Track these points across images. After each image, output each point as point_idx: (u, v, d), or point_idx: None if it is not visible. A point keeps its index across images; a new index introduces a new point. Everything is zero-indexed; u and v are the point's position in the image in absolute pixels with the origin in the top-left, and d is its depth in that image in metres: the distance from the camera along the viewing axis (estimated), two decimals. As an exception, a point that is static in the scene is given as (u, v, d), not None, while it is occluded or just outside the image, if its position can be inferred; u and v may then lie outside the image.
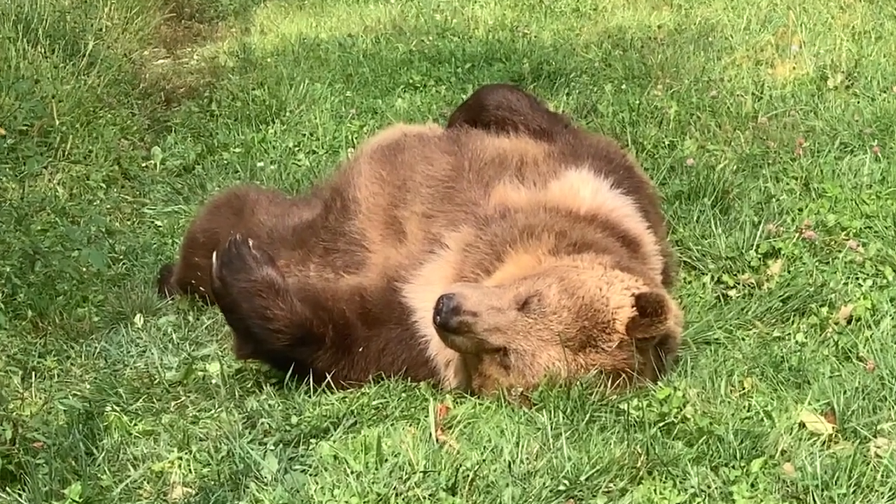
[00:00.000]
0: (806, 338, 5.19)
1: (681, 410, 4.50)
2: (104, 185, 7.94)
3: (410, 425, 4.61)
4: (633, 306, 4.57)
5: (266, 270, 4.93)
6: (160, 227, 7.37)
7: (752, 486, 4.09)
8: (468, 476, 4.17)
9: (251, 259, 4.95)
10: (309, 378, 4.93)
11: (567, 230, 4.96)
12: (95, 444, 4.56)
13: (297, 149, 8.48)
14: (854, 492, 4.03)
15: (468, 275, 4.92)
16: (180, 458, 4.43)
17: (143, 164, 8.49)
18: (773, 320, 5.41)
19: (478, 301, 4.56)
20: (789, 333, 5.26)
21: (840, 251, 5.83)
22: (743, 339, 5.25)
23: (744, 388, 4.75)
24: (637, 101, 8.39)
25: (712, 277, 5.81)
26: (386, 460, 4.29)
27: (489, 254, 4.95)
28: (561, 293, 4.57)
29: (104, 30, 10.97)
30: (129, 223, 7.49)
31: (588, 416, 4.50)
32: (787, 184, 6.75)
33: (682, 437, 4.37)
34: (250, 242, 5.02)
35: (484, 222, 5.07)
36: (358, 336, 4.97)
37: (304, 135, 8.70)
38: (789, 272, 5.71)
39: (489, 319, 4.54)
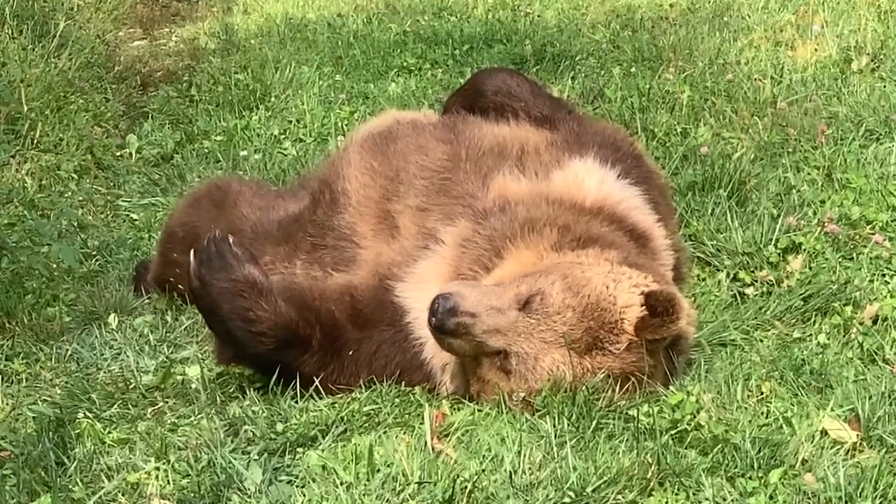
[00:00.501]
0: (828, 339, 5.19)
1: (694, 417, 4.50)
2: (76, 176, 7.93)
3: (404, 433, 4.61)
4: (642, 305, 4.56)
5: (248, 269, 4.92)
6: (136, 220, 7.36)
7: (771, 497, 4.09)
8: (466, 487, 4.17)
9: (232, 257, 4.94)
10: (295, 383, 4.92)
11: (571, 224, 4.96)
12: (67, 453, 4.56)
13: (282, 136, 8.49)
14: (880, 504, 4.04)
15: (465, 272, 4.91)
16: (157, 469, 4.43)
17: (118, 153, 8.49)
18: (794, 320, 5.41)
19: (476, 301, 4.55)
20: (810, 334, 5.27)
21: (865, 246, 5.83)
22: (761, 341, 5.25)
23: (762, 393, 4.76)
24: (647, 86, 8.39)
25: (728, 274, 5.81)
26: (378, 470, 4.29)
27: (488, 249, 4.94)
28: (565, 292, 4.56)
29: (76, 9, 10.97)
30: (102, 216, 7.49)
31: (595, 422, 4.50)
32: (809, 174, 6.75)
33: (695, 445, 4.37)
34: (231, 239, 5.00)
35: (482, 216, 5.07)
36: (348, 338, 4.96)
37: (291, 122, 8.70)
38: (810, 268, 5.72)
39: (488, 320, 4.54)
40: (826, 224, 5.93)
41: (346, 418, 4.71)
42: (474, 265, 4.92)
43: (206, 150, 8.33)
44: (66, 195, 7.67)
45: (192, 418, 4.85)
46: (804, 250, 5.81)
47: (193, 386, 5.09)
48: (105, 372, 5.37)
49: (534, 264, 4.80)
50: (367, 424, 4.70)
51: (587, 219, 5.02)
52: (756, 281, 5.72)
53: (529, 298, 4.56)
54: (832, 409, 4.51)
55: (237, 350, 4.96)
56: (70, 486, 4.37)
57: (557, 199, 5.09)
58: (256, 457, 4.43)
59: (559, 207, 5.05)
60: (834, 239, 5.87)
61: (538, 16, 11.11)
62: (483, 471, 4.27)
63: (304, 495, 4.21)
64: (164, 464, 4.44)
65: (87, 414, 4.88)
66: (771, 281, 5.68)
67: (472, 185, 5.22)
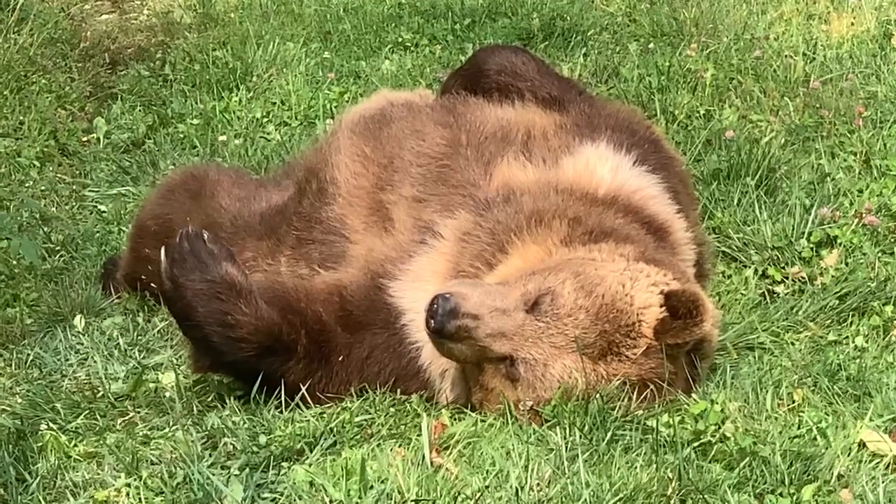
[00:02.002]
0: (867, 342, 5.19)
1: (719, 428, 4.50)
2: (38, 163, 7.92)
3: (400, 446, 4.62)
4: (662, 306, 4.56)
5: (225, 268, 4.92)
6: (104, 212, 7.36)
7: (803, 516, 4.11)
8: (468, 506, 4.18)
9: (207, 255, 4.93)
10: (280, 391, 4.92)
11: (582, 216, 4.96)
12: (28, 468, 4.56)
13: (265, 120, 8.49)
14: (923, 523, 4.05)
15: (466, 269, 4.91)
16: (128, 486, 4.42)
17: (84, 139, 8.47)
18: (828, 321, 5.42)
19: (479, 301, 4.54)
20: (847, 336, 5.27)
21: (906, 239, 5.84)
22: (792, 344, 5.25)
23: (793, 402, 4.76)
24: (667, 64, 8.39)
25: (756, 271, 5.81)
26: (371, 487, 4.29)
27: (490, 244, 4.94)
28: (577, 291, 4.55)
29: (37, -20, 10.95)
30: (67, 208, 7.48)
31: (609, 434, 4.50)
32: (845, 160, 6.76)
33: (720, 459, 4.38)
34: (206, 235, 4.99)
35: (484, 207, 5.06)
36: (337, 343, 4.96)
37: (274, 103, 8.70)
38: (847, 264, 5.72)
39: (492, 323, 4.52)
40: (864, 215, 5.94)
41: (335, 430, 4.72)
42: (476, 261, 4.92)
43: (182, 135, 8.33)
44: (27, 184, 7.67)
45: (167, 430, 4.84)
46: (840, 244, 5.82)
47: (167, 394, 5.09)
48: (70, 379, 5.37)
49: (542, 261, 4.80)
50: (358, 436, 4.70)
51: (600, 210, 5.01)
52: (787, 278, 5.72)
53: (538, 299, 4.55)
54: (871, 420, 4.51)
55: (215, 358, 4.96)
56: (32, 505, 4.38)
57: (567, 189, 5.09)
58: (237, 472, 4.43)
59: (569, 198, 5.04)
60: (872, 232, 5.88)
61: (547, -14, 11.11)
62: (487, 487, 4.27)
63: (290, 514, 4.23)
64: (135, 480, 4.43)
65: (51, 425, 4.87)
66: (803, 278, 5.68)
67: (473, 172, 5.22)
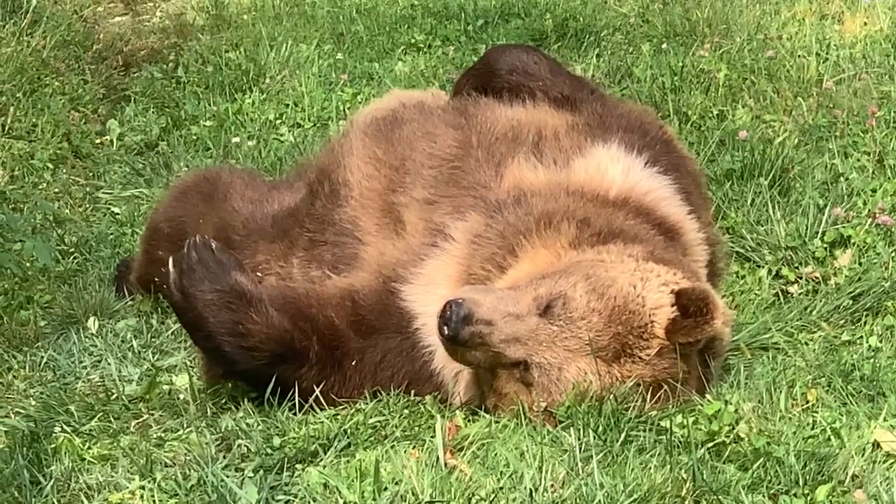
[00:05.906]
0: (881, 341, 5.18)
1: (733, 428, 4.50)
2: (51, 166, 7.94)
3: (414, 447, 4.61)
4: (672, 305, 4.54)
5: (235, 277, 4.92)
6: (117, 214, 7.37)
7: (818, 516, 4.10)
8: (482, 507, 4.18)
9: (215, 264, 4.93)
10: (294, 393, 4.92)
11: (591, 217, 4.93)
12: (42, 470, 4.56)
13: (278, 121, 8.50)
14: (938, 524, 4.04)
15: (477, 272, 4.90)
16: (142, 488, 4.43)
17: (98, 141, 8.49)
18: (842, 321, 5.41)
19: (492, 307, 4.52)
20: (861, 336, 5.26)
21: (921, 239, 5.83)
22: (806, 344, 5.24)
23: (807, 402, 4.75)
24: (680, 64, 8.38)
25: (770, 271, 5.80)
26: (385, 489, 4.29)
27: (501, 247, 4.92)
28: (589, 294, 4.53)
29: (50, -18, 10.97)
30: (80, 210, 7.50)
31: (623, 435, 4.49)
32: (858, 160, 6.75)
33: (734, 459, 4.37)
34: (213, 244, 4.99)
35: (495, 209, 5.05)
36: (349, 348, 4.96)
37: (287, 105, 8.71)
38: (860, 264, 5.71)
39: (506, 328, 4.50)
40: (877, 215, 5.92)
41: (349, 431, 4.71)
42: (487, 264, 4.90)
43: (195, 137, 8.34)
44: (40, 187, 7.69)
45: (181, 432, 4.85)
46: (853, 244, 5.81)
47: (181, 396, 5.10)
48: (84, 381, 5.38)
49: (551, 264, 4.78)
50: (372, 438, 4.70)
51: (609, 211, 4.98)
52: (800, 278, 5.71)
53: (550, 303, 4.53)
54: (885, 419, 4.50)
55: (227, 367, 4.96)
56: (46, 507, 4.38)
57: (578, 190, 5.06)
58: (251, 474, 4.44)
59: (579, 199, 5.02)
60: (886, 231, 5.86)
61: (559, -13, 11.10)
62: (501, 488, 4.27)
63: (304, 516, 4.23)
64: (149, 482, 4.44)
65: (65, 427, 4.89)
66: (817, 278, 5.67)
67: (483, 174, 5.21)
